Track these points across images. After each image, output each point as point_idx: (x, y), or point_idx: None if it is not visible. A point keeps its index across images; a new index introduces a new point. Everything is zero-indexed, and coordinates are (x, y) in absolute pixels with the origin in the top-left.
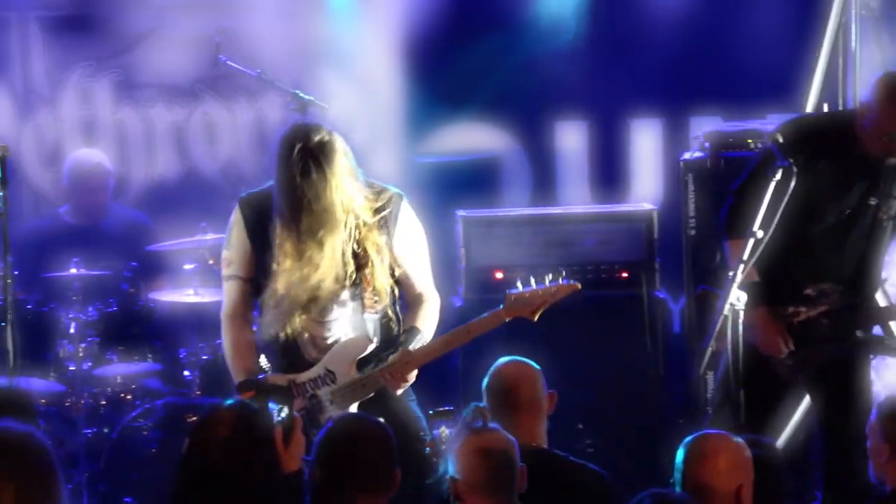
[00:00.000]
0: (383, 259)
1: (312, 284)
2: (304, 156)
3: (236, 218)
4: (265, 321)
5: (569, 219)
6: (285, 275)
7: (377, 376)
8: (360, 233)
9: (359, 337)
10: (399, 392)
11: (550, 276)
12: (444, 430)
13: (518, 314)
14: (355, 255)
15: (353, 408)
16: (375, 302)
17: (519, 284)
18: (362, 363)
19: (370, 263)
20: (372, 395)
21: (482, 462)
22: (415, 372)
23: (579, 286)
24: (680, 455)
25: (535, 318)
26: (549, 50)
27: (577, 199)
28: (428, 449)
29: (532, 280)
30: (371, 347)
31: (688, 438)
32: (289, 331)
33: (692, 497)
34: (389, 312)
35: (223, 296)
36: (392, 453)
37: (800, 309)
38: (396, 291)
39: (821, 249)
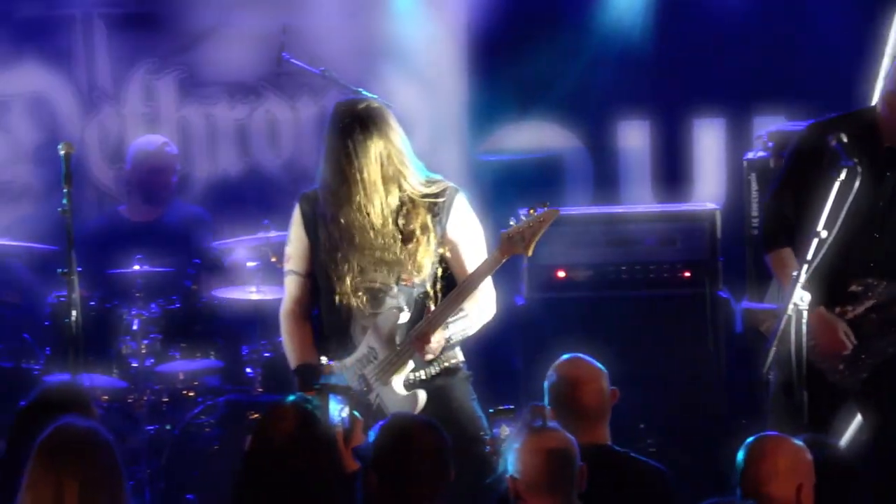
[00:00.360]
0: (429, 239)
1: (367, 281)
2: (352, 120)
3: (296, 214)
4: (322, 313)
5: (631, 218)
6: (335, 250)
7: (406, 344)
8: (406, 209)
9: (389, 311)
10: (427, 357)
11: (536, 208)
12: (505, 429)
13: (513, 252)
14: (401, 231)
15: (397, 380)
16: (413, 276)
17: (511, 221)
18: (402, 336)
19: (415, 239)
20: (429, 388)
21: (542, 461)
22: (438, 336)
23: (559, 210)
24: (740, 456)
25: (530, 252)
26: (614, 49)
27: (639, 199)
28: (488, 448)
29: (521, 215)
30: (404, 317)
31: (748, 440)
32: (344, 322)
33: (752, 498)
34: (428, 288)
35: (284, 290)
36: (446, 455)
37: (847, 307)
38: (439, 271)
39: (860, 245)
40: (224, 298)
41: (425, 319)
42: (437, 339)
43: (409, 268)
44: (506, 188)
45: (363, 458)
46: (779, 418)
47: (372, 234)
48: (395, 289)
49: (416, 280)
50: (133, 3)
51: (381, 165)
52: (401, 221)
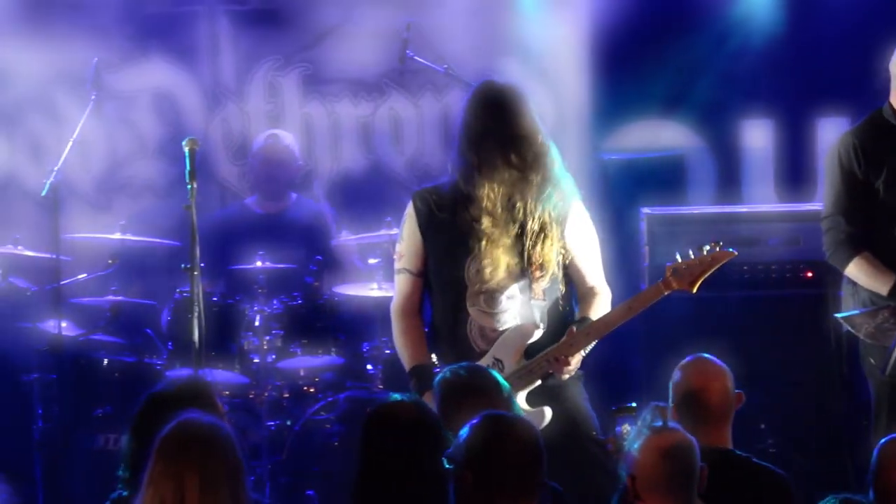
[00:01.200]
0: (553, 239)
1: (489, 285)
2: (492, 101)
3: (409, 211)
4: (434, 313)
5: (754, 217)
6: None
7: (542, 361)
8: (531, 214)
9: (525, 324)
10: (564, 377)
11: (707, 246)
12: (626, 427)
13: (678, 287)
14: (523, 234)
15: (522, 396)
16: (543, 289)
17: (677, 256)
18: (530, 351)
19: (542, 239)
20: (541, 387)
21: (662, 462)
22: (579, 357)
23: (735, 253)
24: (873, 457)
25: (695, 290)
26: (737, 48)
27: (762, 198)
28: (609, 446)
29: (690, 252)
30: (538, 334)
31: (882, 440)
32: (458, 322)
33: (884, 500)
34: (560, 302)
35: (395, 289)
36: (540, 451)
37: None
38: (563, 286)
39: None
40: (345, 295)
41: (567, 342)
42: (576, 361)
43: (538, 277)
44: (628, 187)
45: (453, 459)
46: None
47: (496, 235)
48: (519, 295)
49: (542, 285)
50: (257, 0)
51: (527, 148)
52: (533, 225)
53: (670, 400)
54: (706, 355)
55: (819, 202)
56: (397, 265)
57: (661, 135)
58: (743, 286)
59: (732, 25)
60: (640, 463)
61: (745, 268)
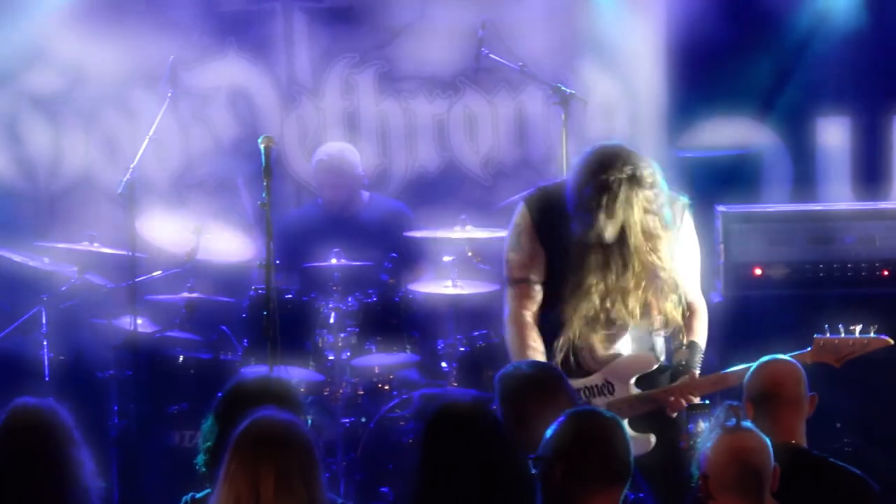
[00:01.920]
0: (667, 279)
1: (606, 307)
2: (615, 183)
3: (524, 220)
4: (544, 324)
5: (830, 216)
6: (580, 288)
7: (658, 396)
8: (648, 258)
9: (646, 355)
10: (674, 415)
11: (860, 326)
12: (701, 425)
13: (823, 360)
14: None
15: (626, 421)
16: (664, 322)
17: (827, 331)
18: (641, 380)
19: (655, 289)
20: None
21: (734, 462)
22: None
23: (892, 342)
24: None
25: (839, 366)
26: (814, 46)
27: (838, 197)
28: (682, 443)
29: (840, 328)
30: (655, 366)
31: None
32: (571, 338)
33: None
34: (679, 332)
35: (508, 298)
36: (629, 447)
37: None
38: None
39: None
40: (420, 292)
41: (690, 384)
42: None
43: (658, 314)
44: (703, 185)
45: (540, 454)
46: None
47: (618, 261)
48: (638, 327)
49: (668, 327)
50: None
51: (640, 231)
52: (640, 271)
53: (744, 399)
54: (782, 356)
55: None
56: (512, 274)
57: (737, 133)
58: (818, 285)
59: (810, 24)
60: (712, 462)
61: (821, 266)
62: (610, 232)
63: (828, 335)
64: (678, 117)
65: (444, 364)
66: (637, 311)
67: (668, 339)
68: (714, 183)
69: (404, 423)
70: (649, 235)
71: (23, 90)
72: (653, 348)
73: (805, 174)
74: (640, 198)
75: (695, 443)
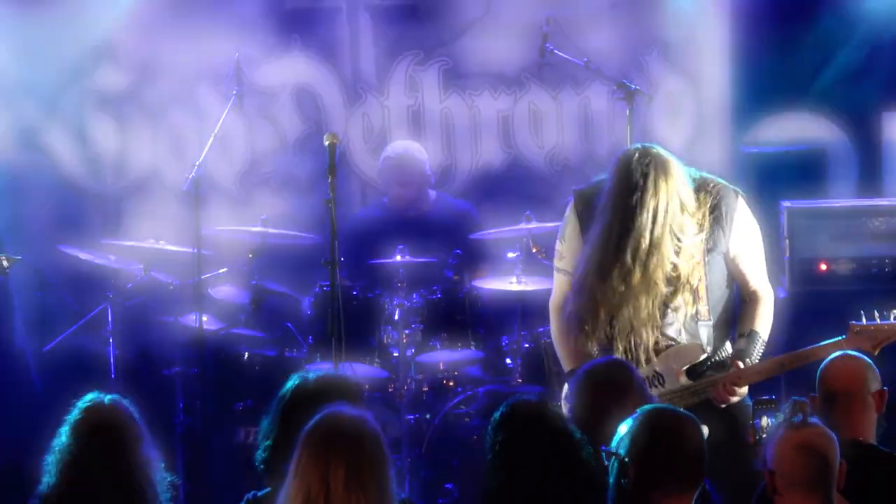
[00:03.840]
0: (707, 272)
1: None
2: (639, 175)
3: (571, 212)
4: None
5: (895, 211)
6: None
7: (707, 386)
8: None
9: (693, 345)
10: (722, 406)
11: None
12: (766, 421)
13: (859, 346)
14: (673, 278)
15: None
16: (708, 311)
17: (863, 317)
18: (691, 370)
19: (689, 284)
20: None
21: (801, 458)
22: (745, 387)
23: None
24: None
25: (875, 352)
26: (880, 40)
27: None
28: (749, 438)
29: (875, 313)
30: (703, 357)
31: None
32: (610, 328)
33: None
34: (726, 317)
35: (553, 286)
36: (704, 452)
37: None
38: (728, 301)
39: None
40: (485, 289)
41: (737, 374)
42: (742, 391)
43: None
44: (769, 180)
45: (611, 453)
46: None
47: (644, 289)
48: (685, 308)
49: (713, 315)
50: None
51: (667, 224)
52: (670, 270)
53: (812, 395)
54: (851, 351)
55: None
56: (557, 263)
57: (802, 128)
58: (884, 280)
59: (876, 18)
60: (778, 458)
61: (887, 261)
62: (638, 223)
63: (864, 321)
64: (743, 113)
65: (508, 360)
66: (681, 298)
67: (714, 328)
68: (779, 178)
69: (469, 420)
70: (673, 230)
71: (90, 89)
72: (700, 339)
73: (870, 169)
74: (669, 186)
75: (761, 438)
